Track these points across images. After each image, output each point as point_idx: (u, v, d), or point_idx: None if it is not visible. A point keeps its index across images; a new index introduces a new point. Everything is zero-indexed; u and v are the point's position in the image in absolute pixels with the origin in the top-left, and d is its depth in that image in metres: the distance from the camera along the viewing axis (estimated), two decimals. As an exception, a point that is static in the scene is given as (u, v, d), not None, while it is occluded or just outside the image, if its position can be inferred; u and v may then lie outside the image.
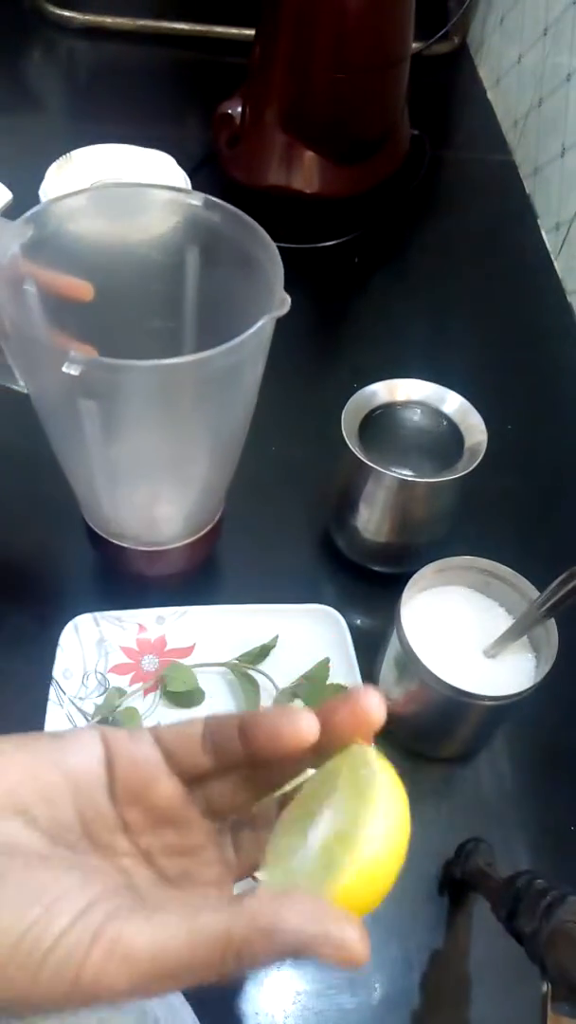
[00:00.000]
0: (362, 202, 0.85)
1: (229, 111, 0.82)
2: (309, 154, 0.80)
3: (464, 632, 0.49)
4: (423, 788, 0.52)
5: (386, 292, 0.85)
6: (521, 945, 0.37)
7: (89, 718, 0.51)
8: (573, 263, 0.85)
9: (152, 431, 0.47)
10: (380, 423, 0.56)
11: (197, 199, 0.44)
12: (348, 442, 0.53)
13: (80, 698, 0.52)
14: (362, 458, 0.53)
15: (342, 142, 0.81)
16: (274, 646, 0.55)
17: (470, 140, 1.07)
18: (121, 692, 0.53)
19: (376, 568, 0.60)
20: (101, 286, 0.44)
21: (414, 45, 0.80)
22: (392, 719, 0.53)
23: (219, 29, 1.12)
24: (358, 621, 0.58)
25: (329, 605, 0.57)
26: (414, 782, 0.52)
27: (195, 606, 0.56)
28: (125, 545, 0.54)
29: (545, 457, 0.72)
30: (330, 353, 0.78)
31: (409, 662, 0.47)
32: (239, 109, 0.82)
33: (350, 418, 0.55)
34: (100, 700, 0.52)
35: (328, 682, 0.53)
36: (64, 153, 0.86)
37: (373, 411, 0.56)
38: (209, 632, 0.56)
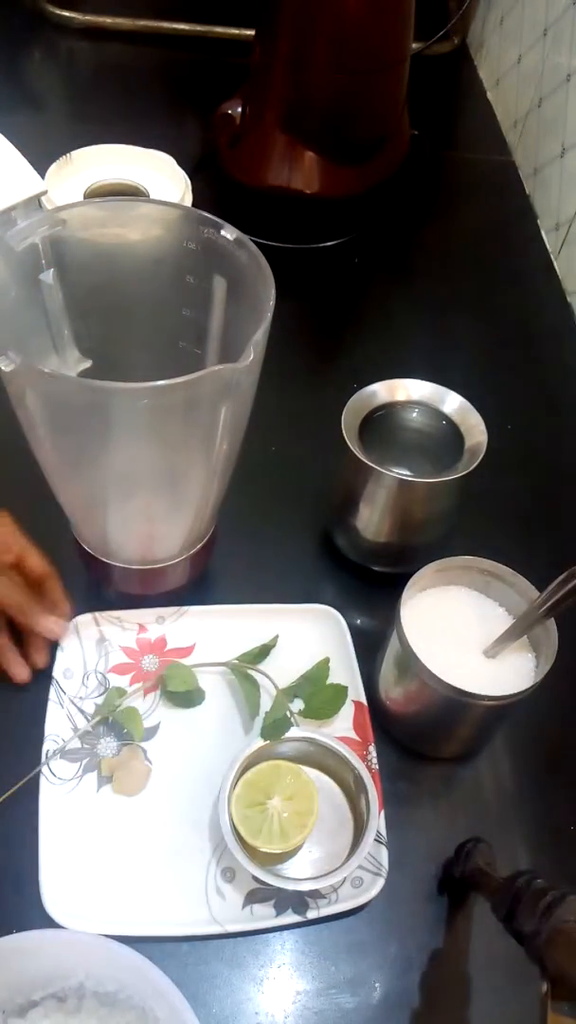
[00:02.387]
0: (362, 202, 0.85)
1: (229, 111, 0.82)
2: (309, 154, 0.80)
3: (464, 632, 0.49)
4: (423, 788, 0.52)
5: (386, 292, 0.85)
6: (521, 945, 0.37)
7: (89, 718, 0.52)
8: (573, 263, 0.85)
9: (140, 451, 0.47)
10: (380, 423, 0.56)
11: (230, 233, 0.45)
12: (348, 442, 0.53)
13: (80, 698, 0.52)
14: (362, 458, 0.53)
15: (342, 142, 0.81)
16: (274, 646, 0.55)
17: (470, 140, 1.07)
18: (121, 692, 0.53)
19: (376, 568, 0.60)
20: (123, 297, 0.45)
21: (414, 45, 0.80)
22: (392, 719, 0.53)
23: (219, 29, 1.12)
24: (358, 621, 0.58)
25: (329, 605, 0.57)
26: (414, 782, 0.52)
27: (194, 606, 0.57)
28: (118, 564, 0.53)
29: (545, 457, 0.72)
30: (330, 353, 0.78)
31: (409, 662, 0.47)
32: (239, 109, 0.82)
33: (350, 418, 0.55)
34: (100, 700, 0.52)
35: (328, 682, 0.53)
36: (64, 153, 0.86)
37: (373, 411, 0.56)
38: (209, 632, 0.56)
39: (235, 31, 1.11)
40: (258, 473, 0.65)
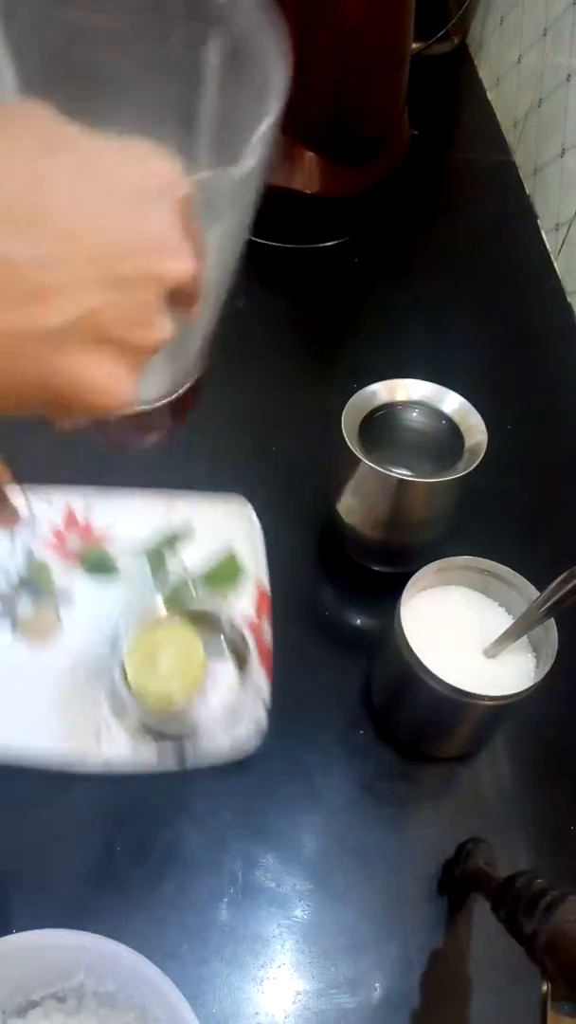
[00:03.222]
0: (362, 202, 0.85)
1: (229, 111, 0.82)
2: (309, 155, 0.80)
3: (464, 632, 0.49)
4: (423, 788, 0.52)
5: (386, 292, 0.85)
6: (521, 945, 0.37)
7: (10, 580, 0.57)
8: (573, 263, 0.85)
9: None
10: (380, 423, 0.56)
11: None
12: (348, 442, 0.53)
13: (5, 568, 0.58)
14: (362, 458, 0.53)
15: (342, 142, 0.81)
16: (188, 532, 0.60)
17: (470, 140, 1.07)
18: (44, 565, 0.58)
19: (376, 568, 0.60)
20: (90, 62, 0.35)
21: (414, 45, 0.80)
22: (392, 719, 0.53)
23: (219, 29, 1.11)
24: (357, 621, 0.58)
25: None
26: (414, 782, 0.52)
27: (118, 487, 0.61)
28: None
29: (545, 457, 0.72)
30: (330, 353, 0.78)
31: (409, 662, 0.47)
32: (239, 109, 0.82)
33: (350, 418, 0.54)
34: (24, 572, 0.58)
35: (234, 567, 0.58)
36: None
37: (373, 411, 0.56)
38: (130, 516, 0.60)
39: (235, 31, 1.11)
40: (257, 473, 0.65)
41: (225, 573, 0.57)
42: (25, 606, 0.56)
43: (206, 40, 0.36)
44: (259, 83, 0.33)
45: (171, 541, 0.59)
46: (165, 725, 0.51)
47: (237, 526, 0.60)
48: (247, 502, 0.60)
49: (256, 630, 0.54)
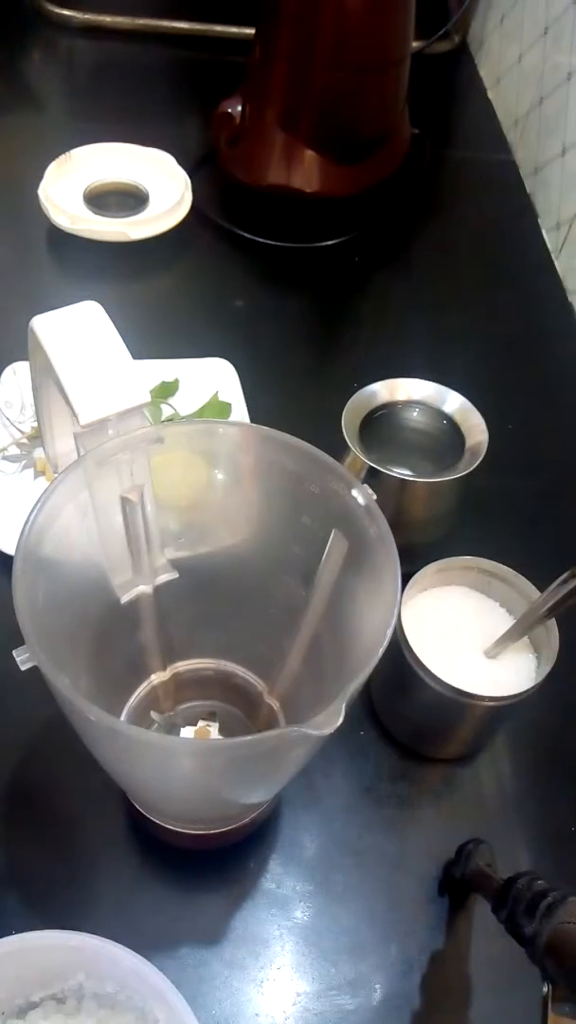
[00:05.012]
0: (362, 201, 0.85)
1: (229, 110, 0.82)
2: (309, 154, 0.80)
3: (464, 632, 0.49)
4: (423, 788, 0.52)
5: (386, 292, 0.85)
6: (521, 946, 0.37)
7: (26, 435, 0.63)
8: (573, 263, 0.84)
9: (197, 788, 0.41)
10: (380, 423, 0.56)
11: (362, 498, 0.37)
12: (348, 442, 0.53)
13: (20, 421, 0.64)
14: (362, 458, 0.52)
15: (342, 142, 0.80)
16: (176, 386, 0.69)
17: (470, 140, 1.07)
18: None
19: (376, 568, 0.60)
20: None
21: (414, 44, 0.79)
22: (392, 719, 0.53)
23: (219, 28, 1.11)
24: (358, 621, 0.58)
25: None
26: (414, 782, 0.52)
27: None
28: (166, 826, 0.47)
29: (545, 457, 0.71)
30: (330, 353, 0.78)
31: (409, 662, 0.47)
32: (239, 108, 0.82)
33: (350, 418, 0.54)
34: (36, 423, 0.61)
35: (221, 404, 0.67)
36: (64, 152, 0.86)
37: (373, 411, 0.56)
38: None
39: (235, 30, 1.11)
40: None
41: (213, 410, 0.67)
42: (41, 453, 0.61)
43: (331, 528, 0.38)
44: (374, 586, 0.35)
45: (162, 392, 0.68)
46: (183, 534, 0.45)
47: (221, 382, 0.69)
48: (227, 362, 0.70)
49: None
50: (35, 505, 0.34)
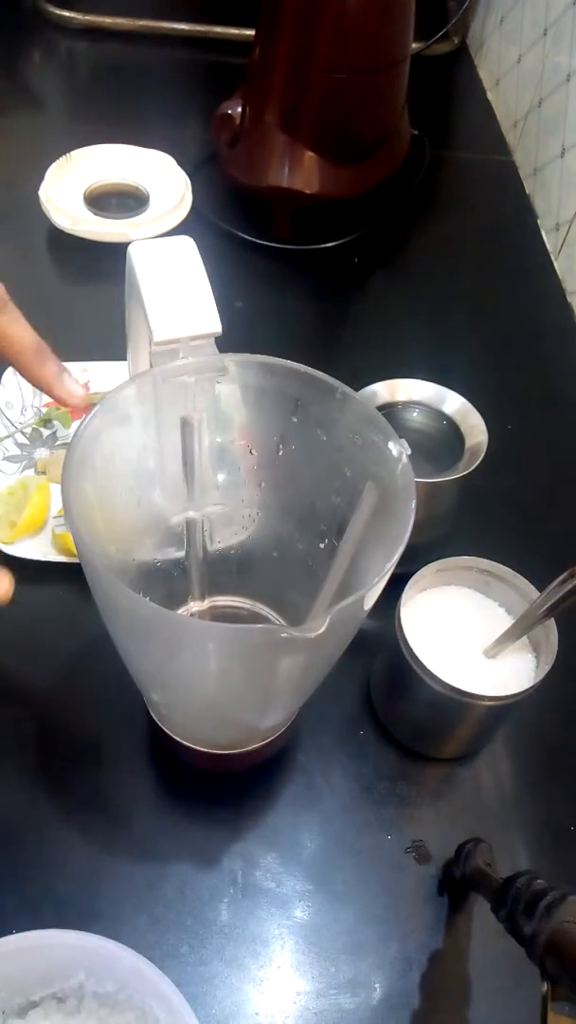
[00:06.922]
0: (362, 202, 0.85)
1: (229, 111, 0.82)
2: (309, 154, 0.80)
3: (464, 632, 0.49)
4: (423, 788, 0.52)
5: (386, 292, 0.85)
6: (521, 946, 0.37)
7: (26, 434, 0.65)
8: (573, 263, 0.85)
9: (214, 677, 0.42)
10: (380, 423, 0.56)
11: (396, 450, 0.37)
12: (348, 442, 0.53)
13: (20, 422, 0.65)
14: (362, 458, 0.52)
15: (342, 142, 0.81)
16: None
17: (470, 140, 1.07)
18: (63, 411, 0.65)
19: (376, 568, 0.60)
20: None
21: (414, 45, 0.80)
22: (392, 719, 0.53)
23: (219, 29, 1.12)
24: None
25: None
26: (414, 782, 0.52)
27: (118, 361, 0.65)
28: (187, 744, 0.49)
29: (545, 457, 0.72)
30: (330, 353, 0.78)
31: (409, 662, 0.47)
32: (239, 109, 0.82)
33: (350, 418, 0.54)
34: (33, 425, 0.65)
35: None
36: (64, 153, 0.86)
37: (373, 411, 0.56)
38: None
39: (235, 31, 1.11)
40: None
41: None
42: (43, 453, 0.64)
43: (367, 479, 0.39)
44: (386, 539, 0.36)
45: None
46: None
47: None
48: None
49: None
50: (99, 404, 0.36)
